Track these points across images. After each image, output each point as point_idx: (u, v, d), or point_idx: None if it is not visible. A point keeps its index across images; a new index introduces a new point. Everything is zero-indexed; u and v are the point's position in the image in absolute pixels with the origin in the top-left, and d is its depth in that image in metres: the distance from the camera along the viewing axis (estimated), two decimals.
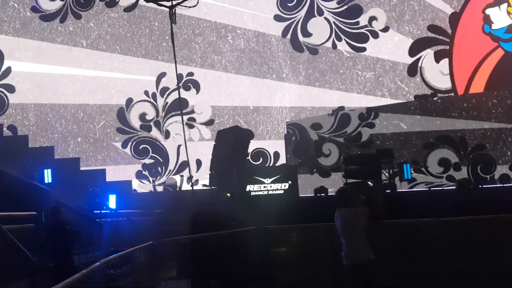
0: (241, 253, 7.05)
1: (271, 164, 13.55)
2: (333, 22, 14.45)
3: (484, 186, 10.65)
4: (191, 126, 14.34)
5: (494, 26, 13.76)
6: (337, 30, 14.40)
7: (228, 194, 9.65)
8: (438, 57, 13.94)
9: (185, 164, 13.22)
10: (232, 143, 10.68)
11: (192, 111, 14.43)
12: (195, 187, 11.67)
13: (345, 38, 14.40)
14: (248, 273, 6.75)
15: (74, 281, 3.46)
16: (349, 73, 14.30)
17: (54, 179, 10.07)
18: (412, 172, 11.09)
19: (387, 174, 9.82)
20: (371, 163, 9.62)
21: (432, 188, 11.08)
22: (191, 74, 14.57)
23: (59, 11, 14.76)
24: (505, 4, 13.73)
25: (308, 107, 14.20)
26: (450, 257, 6.59)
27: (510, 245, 6.62)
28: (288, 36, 14.56)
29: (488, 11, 13.83)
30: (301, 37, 14.51)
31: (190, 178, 12.28)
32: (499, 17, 13.79)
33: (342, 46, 14.38)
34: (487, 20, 13.83)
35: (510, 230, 6.68)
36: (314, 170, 12.56)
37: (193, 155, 13.53)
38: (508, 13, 13.73)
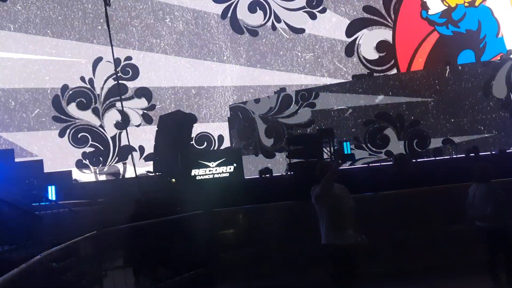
0: (189, 238, 7.04)
1: (215, 148, 13.55)
2: (272, 3, 14.51)
3: (419, 160, 11.21)
4: (131, 112, 13.97)
5: (430, 12, 14.55)
6: (275, 11, 14.49)
7: (173, 180, 9.55)
8: (374, 37, 14.46)
9: (127, 151, 12.94)
10: (175, 127, 10.53)
11: (132, 97, 14.04)
12: (138, 174, 11.45)
13: (284, 20, 14.52)
14: (196, 257, 6.77)
15: (11, 277, 3.26)
16: (289, 54, 14.49)
17: None
18: (352, 149, 11.50)
19: (328, 152, 10.12)
20: (313, 143, 9.87)
21: (371, 164, 11.53)
22: (129, 58, 14.12)
23: None
24: None
25: (250, 90, 14.28)
26: (389, 228, 6.94)
27: (442, 214, 7.07)
28: (228, 18, 14.46)
29: None
30: (240, 19, 14.46)
31: (133, 165, 12.02)
32: (434, 4, 14.62)
33: (281, 27, 14.51)
34: (424, 6, 14.60)
35: (443, 200, 7.14)
36: (259, 151, 12.70)
37: (135, 141, 13.30)
38: (442, 0, 14.58)
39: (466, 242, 6.41)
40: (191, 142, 12.06)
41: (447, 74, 12.62)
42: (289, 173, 9.63)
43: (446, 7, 14.59)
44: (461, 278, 6.16)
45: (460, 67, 12.97)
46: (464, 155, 10.42)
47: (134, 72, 14.13)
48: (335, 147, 10.38)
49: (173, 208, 7.78)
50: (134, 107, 14.06)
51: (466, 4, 14.60)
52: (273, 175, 9.89)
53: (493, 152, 11.04)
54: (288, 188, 8.17)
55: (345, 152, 10.61)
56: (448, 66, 12.84)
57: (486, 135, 12.11)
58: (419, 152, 12.05)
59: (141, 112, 14.07)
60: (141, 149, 13.54)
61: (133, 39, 14.27)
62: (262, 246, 7.11)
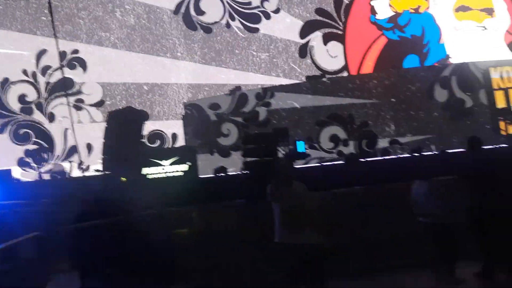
0: (140, 239, 6.76)
1: (169, 146, 13.21)
2: (226, 1, 14.36)
3: (368, 159, 11.54)
4: (79, 108, 13.32)
5: (378, 16, 14.97)
6: (230, 9, 14.35)
7: (124, 179, 9.18)
8: (326, 39, 14.67)
9: (73, 149, 12.34)
10: (125, 124, 10.13)
11: (80, 92, 13.40)
12: (86, 173, 10.96)
13: (239, 18, 14.42)
14: (148, 258, 6.51)
15: None
16: (244, 53, 14.39)
17: None
18: (307, 148, 11.63)
19: (283, 151, 10.12)
20: (268, 142, 9.84)
21: (323, 164, 11.71)
22: (76, 51, 13.48)
23: None
24: None
25: (205, 88, 14.03)
26: (340, 226, 7.04)
27: (389, 211, 7.30)
28: (181, 14, 14.15)
29: (373, 3, 15.07)
30: (194, 15, 14.20)
31: (80, 163, 11.49)
32: (382, 9, 15.06)
33: (236, 25, 14.39)
34: (373, 10, 15.00)
35: (390, 198, 7.37)
36: (214, 150, 12.52)
37: (83, 139, 12.69)
38: (390, 5, 15.05)
39: (411, 238, 6.62)
40: (143, 140, 11.68)
41: (394, 78, 13.11)
42: (244, 172, 9.55)
43: (393, 13, 15.06)
44: (406, 272, 6.35)
45: (406, 71, 13.53)
46: (409, 155, 10.87)
47: (82, 66, 13.49)
48: (290, 147, 10.44)
49: (123, 208, 7.47)
50: (82, 102, 13.43)
51: (411, 11, 15.15)
52: (228, 174, 9.77)
53: (435, 152, 11.61)
54: (243, 187, 8.10)
55: (299, 151, 10.73)
56: (395, 70, 13.37)
57: (429, 136, 12.69)
58: (368, 152, 12.40)
59: (89, 108, 13.45)
60: (89, 146, 12.94)
61: (81, 32, 13.64)
62: (217, 245, 6.98)
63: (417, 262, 6.26)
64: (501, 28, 15.63)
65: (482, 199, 5.62)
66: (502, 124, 12.55)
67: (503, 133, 12.49)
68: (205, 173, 11.01)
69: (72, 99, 13.00)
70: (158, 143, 13.28)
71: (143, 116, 11.31)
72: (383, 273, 6.40)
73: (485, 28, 15.36)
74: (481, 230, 5.67)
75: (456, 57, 14.91)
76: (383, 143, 12.73)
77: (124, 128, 10.10)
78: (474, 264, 5.78)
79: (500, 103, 13.35)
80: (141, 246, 6.68)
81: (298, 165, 10.89)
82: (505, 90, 13.50)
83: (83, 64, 13.50)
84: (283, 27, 14.67)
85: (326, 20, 14.78)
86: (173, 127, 13.51)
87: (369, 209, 7.31)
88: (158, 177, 9.08)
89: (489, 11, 15.57)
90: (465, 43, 15.08)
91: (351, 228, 6.98)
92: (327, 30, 14.73)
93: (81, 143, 12.65)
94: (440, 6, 15.29)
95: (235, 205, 7.40)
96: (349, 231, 6.89)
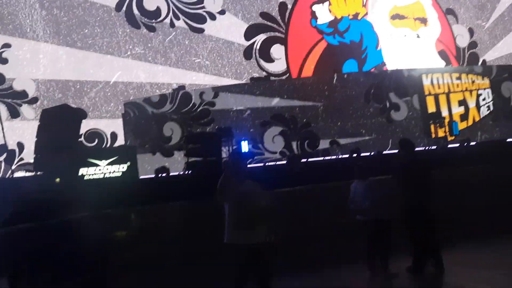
0: (75, 242, 6.44)
1: (108, 146, 12.71)
2: (171, 0, 14.12)
3: (310, 159, 11.80)
4: (9, 105, 12.50)
5: (319, 21, 15.31)
6: (174, 8, 14.11)
7: (58, 180, 8.71)
8: (270, 42, 14.81)
9: (3, 148, 11.57)
10: (60, 123, 9.64)
11: (11, 88, 12.58)
12: (17, 174, 10.31)
13: (184, 18, 14.20)
14: (83, 261, 6.21)
15: None
16: (188, 53, 14.19)
17: None
18: (250, 148, 11.66)
19: (226, 151, 10.09)
20: (212, 142, 9.76)
21: (267, 164, 11.80)
22: (7, 45, 12.65)
23: None
24: (327, 3, 15.40)
25: (147, 86, 13.66)
26: (282, 223, 7.14)
27: (329, 208, 7.50)
28: (123, 11, 13.71)
29: (314, 8, 15.35)
30: (137, 13, 13.81)
31: (9, 163, 10.79)
32: (323, 14, 15.41)
33: (181, 25, 14.17)
34: (314, 15, 15.31)
35: (329, 195, 7.58)
36: (156, 150, 12.22)
37: (13, 137, 11.96)
38: (329, 11, 15.43)
39: (349, 234, 6.82)
40: (80, 139, 11.18)
41: (334, 81, 13.54)
42: (187, 172, 9.39)
43: (333, 18, 15.46)
44: (344, 267, 6.54)
45: (345, 76, 14.03)
46: (348, 155, 11.27)
47: (13, 61, 12.67)
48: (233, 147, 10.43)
49: (57, 210, 7.10)
50: (12, 99, 12.60)
51: (351, 17, 15.65)
52: (170, 174, 9.57)
53: (372, 153, 12.13)
54: (185, 187, 7.97)
55: (242, 151, 10.75)
56: (335, 74, 13.80)
57: (366, 138, 13.28)
58: (309, 152, 12.70)
59: (21, 105, 12.65)
60: (20, 146, 12.18)
61: (12, 26, 12.82)
62: (157, 247, 6.79)
63: (354, 258, 6.47)
64: (433, 37, 16.59)
65: (414, 197, 5.89)
66: (432, 128, 13.33)
67: (433, 135, 13.27)
68: (148, 173, 10.73)
69: (2, 95, 12.20)
70: (96, 142, 12.73)
71: (80, 115, 10.84)
72: (323, 268, 6.54)
73: (419, 36, 16.22)
74: (413, 226, 5.94)
75: (392, 63, 15.62)
76: (324, 144, 13.10)
77: (59, 126, 9.60)
78: (407, 259, 6.03)
79: (431, 108, 14.21)
80: (75, 250, 6.36)
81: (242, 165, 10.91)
82: (435, 96, 14.40)
83: (15, 58, 12.69)
84: (229, 28, 14.63)
85: (270, 24, 14.93)
86: (112, 126, 13.01)
87: (309, 208, 7.46)
88: (96, 178, 8.67)
89: (423, 20, 16.45)
90: (400, 50, 15.83)
91: (293, 224, 7.08)
92: (271, 33, 14.88)
93: (11, 142, 11.92)
94: (378, 14, 15.94)
95: (177, 206, 7.24)
96: (291, 229, 6.98)
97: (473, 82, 15.04)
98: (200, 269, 6.56)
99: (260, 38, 14.77)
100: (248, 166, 4.79)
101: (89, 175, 8.70)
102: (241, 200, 4.48)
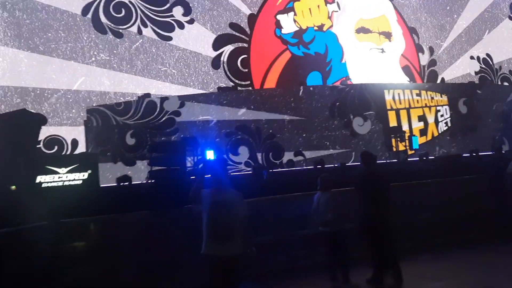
0: (28, 252, 6.17)
1: (68, 153, 12.33)
2: (138, 6, 13.96)
3: (274, 170, 11.86)
4: None
5: (283, 31, 15.38)
6: (142, 15, 13.97)
7: (13, 187, 8.35)
8: (237, 53, 14.84)
9: None
10: (17, 128, 9.27)
11: None
12: None
13: (151, 25, 14.07)
14: (37, 272, 5.95)
15: None
16: (155, 60, 14.04)
17: None
18: (216, 158, 11.57)
19: (191, 161, 9.98)
20: (176, 151, 9.62)
21: (232, 173, 11.75)
22: None
23: None
24: (292, 13, 15.56)
25: (111, 93, 13.39)
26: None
27: (292, 219, 7.53)
28: (89, 16, 13.45)
29: (279, 17, 15.41)
30: (103, 19, 13.58)
31: None
32: (287, 23, 15.50)
33: (148, 32, 14.03)
34: (278, 24, 15.38)
35: (292, 205, 7.63)
36: (118, 158, 11.94)
37: None
38: (294, 21, 15.54)
39: (311, 245, 6.86)
40: (38, 146, 10.78)
41: (300, 94, 13.69)
42: (149, 181, 9.21)
43: (298, 28, 15.57)
44: (307, 278, 6.58)
45: (311, 88, 14.20)
46: (312, 167, 11.41)
47: None
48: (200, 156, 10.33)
49: (11, 219, 6.79)
50: None
51: (316, 28, 15.80)
52: (132, 183, 9.36)
53: (335, 165, 12.32)
54: (148, 197, 7.81)
55: (209, 160, 10.65)
56: (301, 87, 13.95)
57: (330, 150, 13.49)
58: (274, 163, 12.76)
59: None
60: None
61: None
62: (117, 258, 6.61)
63: (316, 269, 6.50)
64: (397, 52, 17.08)
65: (374, 209, 6.00)
66: (393, 141, 13.69)
67: (394, 149, 13.62)
68: (108, 182, 10.45)
69: None
70: (55, 149, 12.32)
71: (39, 120, 10.42)
72: (284, 279, 6.54)
73: (383, 51, 16.65)
74: (373, 238, 6.04)
75: (356, 77, 15.92)
76: (289, 155, 13.20)
77: (16, 132, 9.23)
78: (368, 271, 6.11)
79: (392, 122, 14.59)
80: (30, 261, 6.10)
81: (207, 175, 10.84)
82: (396, 111, 14.80)
83: None
84: (197, 37, 14.59)
85: (238, 35, 14.98)
86: (73, 133, 12.65)
87: (272, 218, 7.47)
88: (54, 186, 8.36)
89: (388, 35, 16.91)
90: (364, 64, 16.16)
91: (257, 235, 7.06)
92: (239, 44, 14.93)
93: None
94: (343, 26, 16.20)
95: (139, 215, 7.07)
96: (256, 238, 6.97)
97: (432, 98, 15.58)
98: (162, 280, 6.43)
99: (228, 48, 14.80)
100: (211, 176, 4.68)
101: (47, 182, 8.39)
102: (214, 211, 4.34)
